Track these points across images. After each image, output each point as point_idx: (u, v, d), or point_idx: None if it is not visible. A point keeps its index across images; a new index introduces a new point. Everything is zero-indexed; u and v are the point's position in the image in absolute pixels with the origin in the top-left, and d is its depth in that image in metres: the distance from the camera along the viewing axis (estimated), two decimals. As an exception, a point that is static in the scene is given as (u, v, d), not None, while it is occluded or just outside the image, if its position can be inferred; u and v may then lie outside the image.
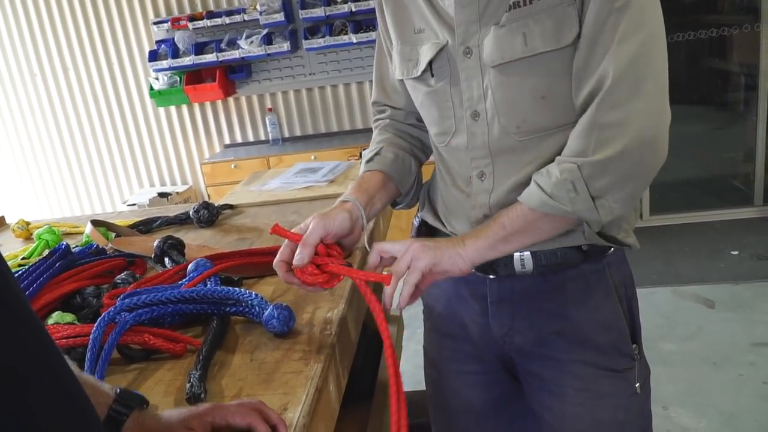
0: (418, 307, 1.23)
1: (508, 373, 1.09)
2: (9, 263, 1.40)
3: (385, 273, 0.91)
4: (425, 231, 1.13)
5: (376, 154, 1.10)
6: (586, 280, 0.97)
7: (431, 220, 1.10)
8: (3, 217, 1.90)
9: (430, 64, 0.98)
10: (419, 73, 1.00)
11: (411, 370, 2.59)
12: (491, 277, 1.00)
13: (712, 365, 2.63)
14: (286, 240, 0.92)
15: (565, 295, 0.97)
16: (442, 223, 1.08)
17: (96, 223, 1.51)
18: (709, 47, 4.29)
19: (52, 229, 1.54)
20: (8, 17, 4.44)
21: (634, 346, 0.99)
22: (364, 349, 1.61)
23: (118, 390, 0.73)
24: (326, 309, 1.02)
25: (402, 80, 1.08)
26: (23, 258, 1.44)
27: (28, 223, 1.72)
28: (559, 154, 0.89)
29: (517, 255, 0.96)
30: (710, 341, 2.80)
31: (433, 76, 0.99)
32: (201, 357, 0.87)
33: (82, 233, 1.55)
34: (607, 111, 0.83)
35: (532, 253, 0.95)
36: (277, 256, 0.91)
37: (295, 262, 0.88)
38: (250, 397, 0.78)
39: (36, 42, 4.47)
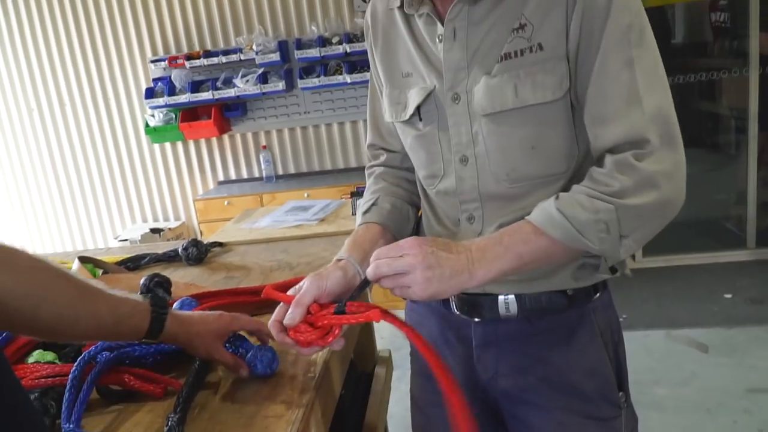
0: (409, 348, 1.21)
1: (495, 418, 1.07)
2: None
3: (372, 309, 0.85)
4: None
5: (372, 204, 1.08)
6: (571, 325, 0.96)
7: None
8: (-10, 252, 1.88)
9: (418, 108, 0.99)
10: (407, 117, 1.01)
11: (400, 413, 2.53)
12: (476, 320, 0.99)
13: (706, 411, 2.60)
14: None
15: (550, 340, 0.96)
16: None
17: (83, 260, 1.50)
18: (700, 91, 4.36)
19: (39, 265, 1.53)
20: (7, 52, 4.48)
21: (620, 393, 0.98)
22: (353, 387, 1.58)
23: (147, 295, 0.92)
24: (311, 350, 1.01)
25: (392, 123, 1.09)
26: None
27: (15, 259, 1.70)
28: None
29: (501, 298, 0.95)
30: (704, 386, 2.77)
31: (421, 120, 0.99)
32: (181, 399, 0.85)
33: (70, 270, 1.53)
34: (649, 161, 0.81)
35: (516, 296, 0.95)
36: (273, 315, 0.89)
37: (285, 321, 0.86)
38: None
39: (34, 77, 4.51)
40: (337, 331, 0.86)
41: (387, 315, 0.83)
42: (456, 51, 0.92)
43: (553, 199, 0.84)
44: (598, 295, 0.97)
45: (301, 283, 0.89)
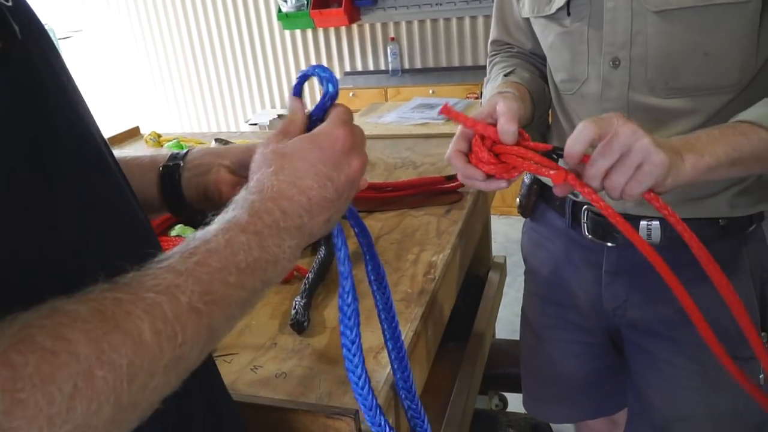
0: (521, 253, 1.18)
1: (613, 347, 1.04)
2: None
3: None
4: (536, 189, 1.07)
5: (512, 71, 0.98)
6: (718, 258, 0.88)
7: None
8: (138, 128, 2.02)
9: (567, 2, 0.90)
10: (552, 10, 0.92)
11: (508, 317, 2.56)
12: (609, 245, 0.94)
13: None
14: (459, 127, 0.78)
15: (693, 272, 0.89)
16: None
17: (219, 141, 1.57)
18: None
19: (180, 144, 1.62)
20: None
21: (763, 334, 0.91)
22: (464, 294, 1.59)
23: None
24: (432, 252, 1.01)
25: (528, 19, 1.00)
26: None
27: (159, 135, 1.82)
28: (709, 120, 0.79)
29: (643, 224, 0.89)
30: None
31: (569, 15, 0.90)
32: (307, 285, 0.88)
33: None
34: None
35: (661, 222, 0.88)
36: (452, 146, 0.79)
37: (502, 133, 0.73)
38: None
39: (176, -42, 4.62)
40: (524, 166, 0.73)
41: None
42: None
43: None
44: (753, 227, 0.88)
45: (483, 106, 0.79)
